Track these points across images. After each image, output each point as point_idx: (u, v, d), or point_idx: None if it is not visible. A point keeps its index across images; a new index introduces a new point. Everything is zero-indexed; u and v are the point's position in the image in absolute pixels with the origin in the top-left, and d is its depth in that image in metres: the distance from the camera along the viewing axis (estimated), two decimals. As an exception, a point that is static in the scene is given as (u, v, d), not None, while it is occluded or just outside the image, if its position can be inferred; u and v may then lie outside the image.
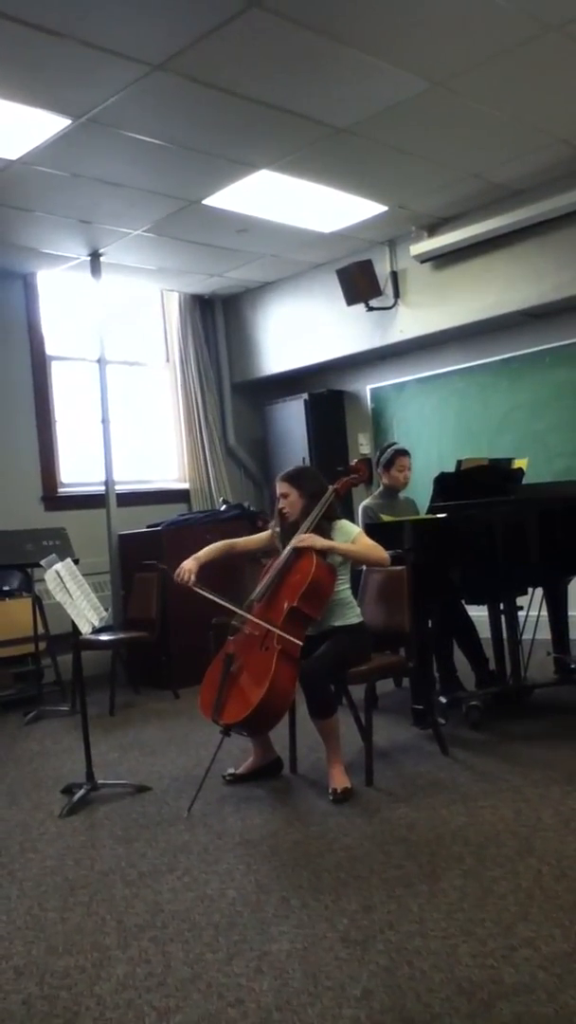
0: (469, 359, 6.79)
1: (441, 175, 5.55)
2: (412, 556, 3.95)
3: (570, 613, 4.98)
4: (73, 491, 6.90)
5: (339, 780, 3.53)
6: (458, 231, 6.21)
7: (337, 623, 3.74)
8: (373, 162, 5.22)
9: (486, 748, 4.00)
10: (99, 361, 6.58)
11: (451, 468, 4.91)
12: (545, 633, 4.83)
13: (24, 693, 5.88)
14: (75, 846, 3.23)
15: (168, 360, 7.76)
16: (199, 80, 4.09)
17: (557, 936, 2.29)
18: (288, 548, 3.72)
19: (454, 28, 3.83)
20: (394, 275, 6.77)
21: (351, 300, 6.74)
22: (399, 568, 3.90)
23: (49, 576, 3.79)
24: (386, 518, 4.84)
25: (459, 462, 4.93)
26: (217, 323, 7.98)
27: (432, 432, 7.02)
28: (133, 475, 7.31)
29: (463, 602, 4.75)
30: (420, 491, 5.30)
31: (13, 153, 4.69)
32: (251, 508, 6.88)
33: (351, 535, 3.76)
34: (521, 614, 4.61)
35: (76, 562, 3.91)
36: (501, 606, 4.62)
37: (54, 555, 3.94)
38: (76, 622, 3.70)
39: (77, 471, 6.98)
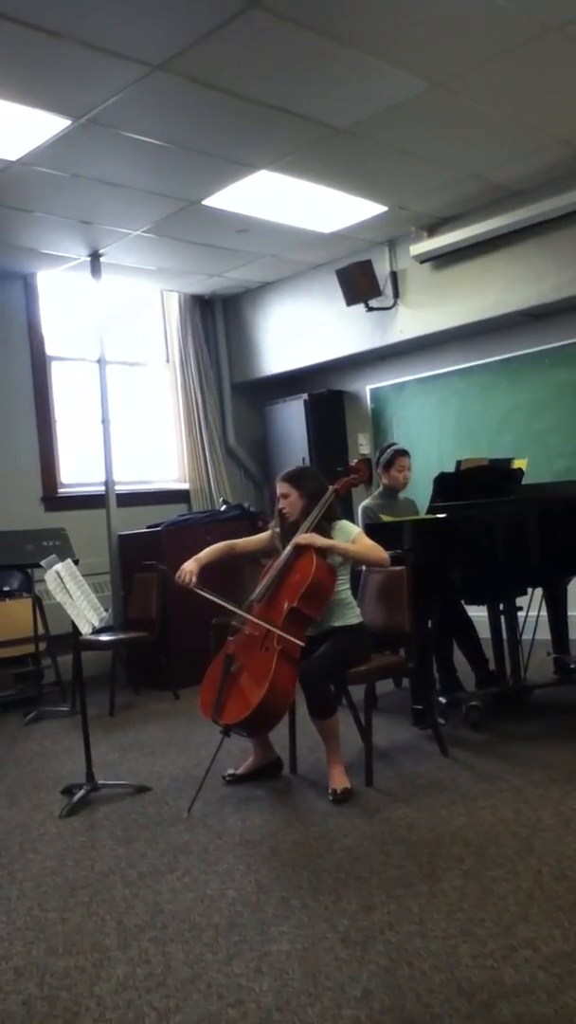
0: (469, 359, 6.79)
1: (441, 175, 5.55)
2: (412, 556, 3.95)
3: (570, 613, 4.99)
4: (73, 491, 6.90)
5: (339, 780, 3.53)
6: (458, 231, 6.21)
7: (337, 623, 3.74)
8: (373, 162, 5.22)
9: (486, 748, 4.00)
10: (99, 361, 6.58)
11: (451, 468, 4.90)
12: (545, 633, 4.83)
13: (24, 693, 5.88)
14: (75, 846, 3.23)
15: (168, 360, 7.76)
16: (199, 80, 4.09)
17: (557, 936, 2.29)
18: (289, 546, 3.73)
19: (454, 28, 3.83)
20: (394, 275, 6.77)
21: (351, 300, 6.73)
22: (399, 568, 3.90)
23: (49, 576, 3.79)
24: (386, 518, 4.83)
25: (459, 462, 4.92)
26: (217, 323, 7.98)
27: (432, 432, 7.02)
28: (133, 475, 7.31)
29: (463, 602, 4.76)
30: (420, 491, 5.30)
31: (13, 154, 4.69)
32: (251, 508, 6.87)
33: (351, 535, 3.76)
34: (521, 614, 4.61)
35: (76, 562, 3.91)
36: (501, 606, 4.62)
37: (54, 555, 3.94)
38: (76, 622, 3.70)
39: (77, 471, 6.98)
